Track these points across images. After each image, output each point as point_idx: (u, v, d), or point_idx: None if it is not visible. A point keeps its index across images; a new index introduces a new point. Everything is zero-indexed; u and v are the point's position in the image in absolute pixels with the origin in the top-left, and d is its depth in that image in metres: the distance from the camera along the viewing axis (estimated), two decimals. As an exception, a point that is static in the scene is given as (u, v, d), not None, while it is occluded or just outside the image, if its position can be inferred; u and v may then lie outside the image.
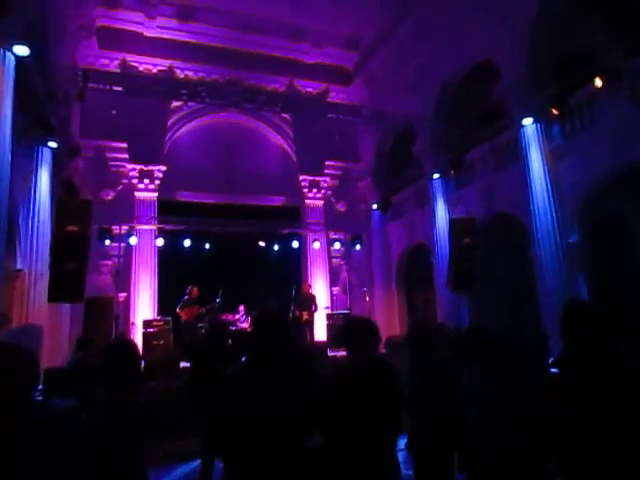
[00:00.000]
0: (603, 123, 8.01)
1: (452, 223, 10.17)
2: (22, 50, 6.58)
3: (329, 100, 14.68)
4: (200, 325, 10.44)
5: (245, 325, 10.55)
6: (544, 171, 8.74)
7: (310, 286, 12.32)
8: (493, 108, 10.39)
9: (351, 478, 2.54)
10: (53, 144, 8.69)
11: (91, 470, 1.79)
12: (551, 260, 8.53)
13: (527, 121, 8.91)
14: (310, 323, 11.34)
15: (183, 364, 8.29)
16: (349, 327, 3.15)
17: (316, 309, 11.63)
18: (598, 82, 7.63)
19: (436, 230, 11.60)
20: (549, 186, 8.68)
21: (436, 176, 11.60)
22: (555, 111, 8.18)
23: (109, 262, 12.01)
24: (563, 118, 8.61)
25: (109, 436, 2.24)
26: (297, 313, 11.04)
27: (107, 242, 11.23)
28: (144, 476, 2.44)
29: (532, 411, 2.66)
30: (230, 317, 10.73)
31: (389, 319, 13.68)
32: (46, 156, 9.04)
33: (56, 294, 7.56)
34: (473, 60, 10.95)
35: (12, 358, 1.66)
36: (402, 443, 5.25)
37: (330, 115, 12.63)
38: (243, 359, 2.66)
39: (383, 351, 7.81)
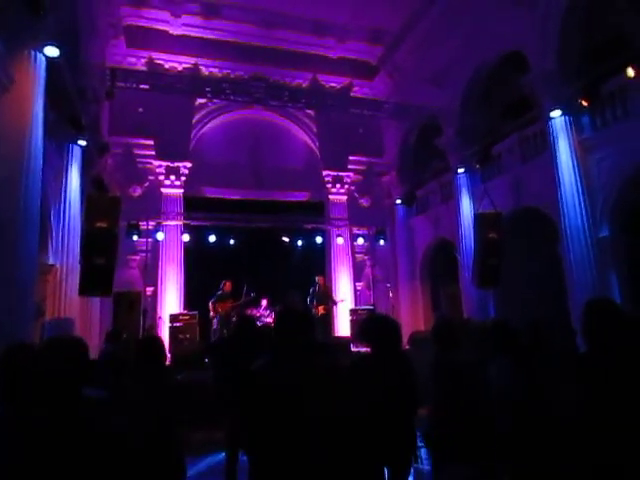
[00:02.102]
0: (637, 113, 7.74)
1: (477, 218, 9.99)
2: (52, 51, 6.74)
3: (353, 95, 14.62)
4: (233, 319, 10.60)
5: (269, 320, 10.65)
6: (573, 164, 8.52)
7: (324, 280, 12.26)
8: (522, 99, 10.16)
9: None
10: (83, 142, 8.91)
11: (129, 457, 1.85)
12: (580, 255, 8.32)
13: (556, 113, 8.69)
14: (327, 317, 11.34)
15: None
16: (369, 324, 3.19)
17: (333, 302, 11.61)
18: (630, 71, 7.36)
19: (461, 225, 11.45)
20: (578, 179, 8.46)
21: (461, 170, 11.43)
22: (585, 102, 7.94)
23: (137, 257, 12.29)
24: (594, 109, 8.36)
25: (143, 423, 2.31)
26: (314, 308, 11.09)
27: (135, 237, 11.48)
28: (182, 461, 2.53)
29: (560, 406, 2.63)
30: (254, 312, 10.84)
31: (413, 314, 13.59)
32: (76, 153, 9.29)
33: (86, 288, 7.77)
34: (501, 51, 10.71)
35: (66, 352, 1.73)
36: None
37: (354, 110, 12.57)
38: (267, 355, 2.69)
39: (407, 347, 7.78)
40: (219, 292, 10.65)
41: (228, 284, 10.70)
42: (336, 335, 11.76)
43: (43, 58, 6.78)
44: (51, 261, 8.73)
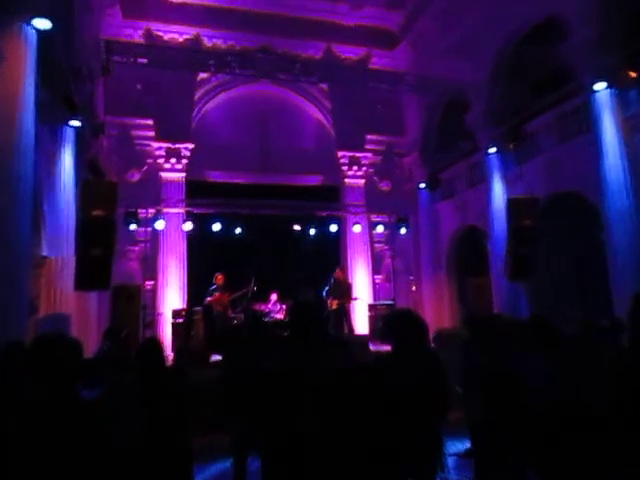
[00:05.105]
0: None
1: (510, 203, 9.89)
2: (43, 24, 6.76)
3: (371, 67, 14.49)
4: (232, 316, 10.67)
5: (279, 316, 10.72)
6: (619, 143, 8.37)
7: (342, 272, 12.18)
8: (559, 71, 9.98)
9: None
10: (76, 123, 8.96)
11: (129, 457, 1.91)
12: (627, 244, 8.20)
13: (599, 86, 8.51)
14: (341, 312, 11.24)
15: (215, 357, 8.52)
16: (392, 320, 3.20)
17: (350, 297, 11.57)
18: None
19: (492, 211, 11.34)
20: (625, 160, 8.32)
21: (492, 150, 11.29)
22: (633, 74, 7.77)
23: (136, 248, 12.42)
24: (642, 81, 8.19)
25: (137, 424, 2.38)
26: (328, 302, 11.07)
27: (133, 227, 11.56)
28: (188, 468, 2.60)
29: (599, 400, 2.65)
30: (263, 307, 10.91)
31: (438, 310, 13.57)
32: (69, 135, 9.35)
33: (83, 282, 7.87)
34: (536, 16, 10.51)
35: (58, 349, 1.78)
36: (453, 448, 5.27)
37: (372, 84, 12.46)
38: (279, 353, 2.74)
39: (432, 345, 7.78)
40: (213, 287, 10.64)
41: (220, 277, 10.66)
42: (351, 332, 11.73)
43: (34, 32, 6.81)
44: (44, 253, 8.85)
